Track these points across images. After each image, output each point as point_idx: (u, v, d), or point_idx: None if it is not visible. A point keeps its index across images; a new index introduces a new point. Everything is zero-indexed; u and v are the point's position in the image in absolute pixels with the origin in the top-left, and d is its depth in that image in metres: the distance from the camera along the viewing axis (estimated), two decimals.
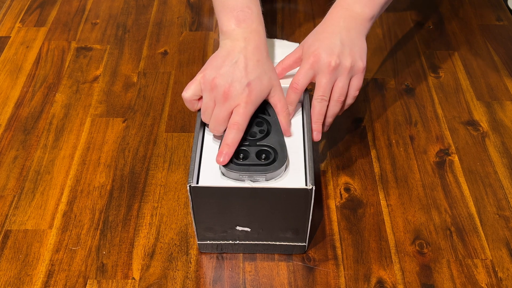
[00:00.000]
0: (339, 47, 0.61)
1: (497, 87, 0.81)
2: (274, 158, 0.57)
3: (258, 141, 0.58)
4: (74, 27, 0.92)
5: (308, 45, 0.63)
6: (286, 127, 0.60)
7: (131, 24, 0.93)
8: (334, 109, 0.63)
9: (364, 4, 0.63)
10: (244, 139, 0.58)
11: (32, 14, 0.95)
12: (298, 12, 0.95)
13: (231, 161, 0.56)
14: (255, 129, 0.59)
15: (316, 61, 0.61)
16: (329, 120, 0.64)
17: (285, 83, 0.63)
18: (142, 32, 0.91)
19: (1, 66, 0.84)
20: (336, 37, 0.61)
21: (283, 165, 0.56)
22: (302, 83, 0.61)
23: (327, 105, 0.62)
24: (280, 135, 0.59)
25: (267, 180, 0.55)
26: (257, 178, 0.55)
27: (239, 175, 0.55)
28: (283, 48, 0.67)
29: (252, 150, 0.57)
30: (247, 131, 0.59)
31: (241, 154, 0.57)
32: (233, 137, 0.57)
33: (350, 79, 0.62)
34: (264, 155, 0.57)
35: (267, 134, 0.59)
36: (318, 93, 0.61)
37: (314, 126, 0.62)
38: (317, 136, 0.62)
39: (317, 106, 0.62)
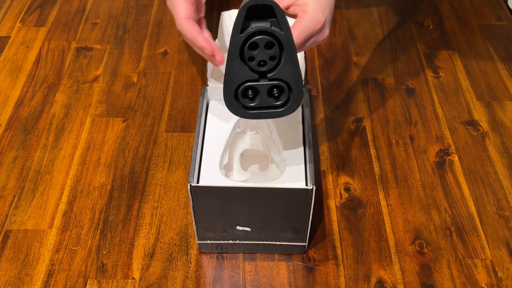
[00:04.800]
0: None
1: (497, 87, 0.81)
2: (288, 97, 0.50)
3: (269, 72, 0.49)
4: (74, 27, 0.92)
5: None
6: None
7: (131, 24, 0.93)
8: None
9: None
10: (252, 70, 0.49)
11: (32, 14, 0.95)
12: None
13: (239, 105, 0.50)
14: (264, 54, 0.48)
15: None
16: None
17: None
18: (142, 32, 0.91)
19: (1, 66, 0.84)
20: None
21: (299, 105, 0.50)
22: None
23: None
24: (295, 64, 0.49)
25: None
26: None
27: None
28: None
29: (263, 87, 0.50)
30: (253, 57, 0.49)
31: (250, 92, 0.50)
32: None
33: None
34: (276, 91, 0.50)
35: (279, 62, 0.49)
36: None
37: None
38: None
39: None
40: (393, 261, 0.60)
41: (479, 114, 0.77)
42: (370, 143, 0.72)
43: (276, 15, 0.48)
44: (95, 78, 0.82)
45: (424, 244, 0.61)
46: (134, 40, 0.89)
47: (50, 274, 0.58)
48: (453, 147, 0.72)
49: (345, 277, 0.58)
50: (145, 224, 0.63)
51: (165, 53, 0.87)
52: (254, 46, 0.48)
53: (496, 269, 0.59)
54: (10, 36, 0.90)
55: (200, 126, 0.60)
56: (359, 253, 0.60)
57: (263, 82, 0.50)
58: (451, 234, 0.62)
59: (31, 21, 0.93)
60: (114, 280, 0.58)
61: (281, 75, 0.49)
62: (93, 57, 0.86)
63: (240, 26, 0.47)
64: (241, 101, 0.51)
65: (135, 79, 0.82)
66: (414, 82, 0.82)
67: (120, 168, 0.69)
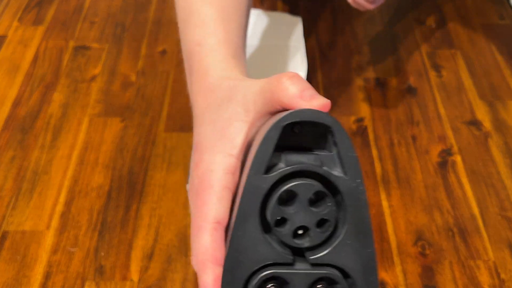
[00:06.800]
0: None
1: (499, 87, 0.80)
2: None
3: (312, 250, 0.28)
4: (72, 25, 0.91)
5: None
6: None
7: (130, 22, 0.92)
8: None
9: None
10: (280, 243, 0.28)
11: (30, 13, 0.94)
12: (299, 12, 0.94)
13: None
14: (308, 214, 0.27)
15: None
16: None
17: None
18: (140, 31, 0.90)
19: None
20: None
21: None
22: None
23: None
24: (365, 237, 0.28)
25: None
26: None
27: None
28: (284, 25, 0.62)
29: (301, 280, 0.28)
30: (284, 220, 0.28)
31: (273, 287, 0.28)
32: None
33: None
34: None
35: (334, 231, 0.28)
36: None
37: None
38: None
39: None
40: (395, 262, 0.59)
41: (482, 114, 0.76)
42: (372, 143, 0.72)
43: (335, 141, 0.27)
44: (93, 77, 0.81)
45: (426, 245, 0.61)
46: (132, 39, 0.89)
47: (47, 276, 0.58)
48: (455, 147, 0.71)
49: None
50: (143, 225, 0.62)
51: (164, 52, 0.86)
52: (288, 198, 0.27)
53: (499, 270, 0.59)
54: (7, 35, 0.89)
55: None
56: None
57: (300, 269, 0.28)
58: (453, 235, 0.62)
59: (28, 20, 0.93)
60: (113, 281, 0.57)
61: (337, 258, 0.27)
62: (91, 56, 0.85)
63: (266, 158, 0.27)
64: None
65: (133, 78, 0.81)
66: (416, 81, 0.81)
67: (119, 169, 0.68)
